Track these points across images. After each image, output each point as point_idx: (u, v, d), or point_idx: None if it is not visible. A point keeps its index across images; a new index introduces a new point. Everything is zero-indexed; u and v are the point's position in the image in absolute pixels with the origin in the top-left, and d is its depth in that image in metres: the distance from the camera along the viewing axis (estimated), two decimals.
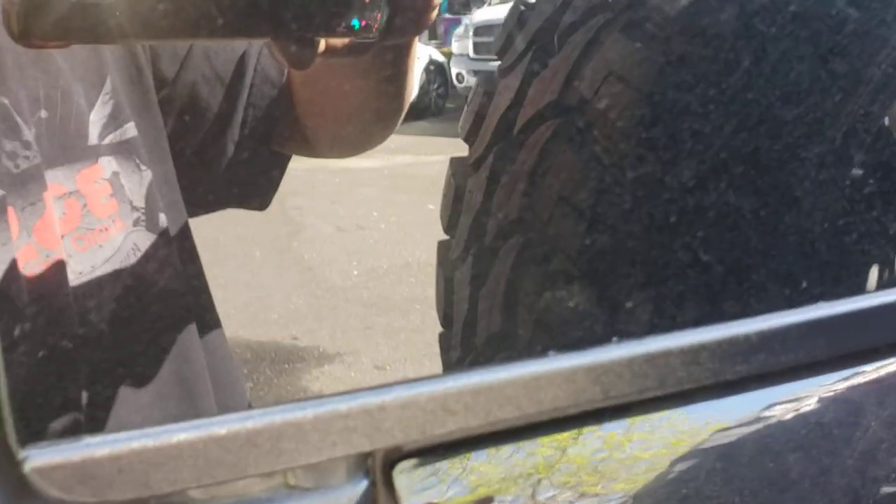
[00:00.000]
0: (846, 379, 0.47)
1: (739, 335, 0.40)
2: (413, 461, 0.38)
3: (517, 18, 0.92)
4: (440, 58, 10.77)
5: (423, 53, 10.50)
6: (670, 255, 0.73)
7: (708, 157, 0.70)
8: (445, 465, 0.40)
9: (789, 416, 0.48)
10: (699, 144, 0.70)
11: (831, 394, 0.49)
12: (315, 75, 0.78)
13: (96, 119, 0.75)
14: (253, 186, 0.93)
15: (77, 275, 0.71)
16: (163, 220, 0.79)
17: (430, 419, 0.35)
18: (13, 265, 0.66)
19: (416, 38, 0.75)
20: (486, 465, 0.42)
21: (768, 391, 0.46)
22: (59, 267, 0.69)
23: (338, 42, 0.61)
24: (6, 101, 0.68)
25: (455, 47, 10.11)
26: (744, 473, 0.46)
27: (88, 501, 0.32)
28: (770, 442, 0.48)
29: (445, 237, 1.05)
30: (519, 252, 0.80)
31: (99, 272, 0.73)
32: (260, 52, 0.86)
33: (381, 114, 0.87)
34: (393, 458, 0.38)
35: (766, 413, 0.48)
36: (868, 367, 0.47)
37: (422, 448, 0.39)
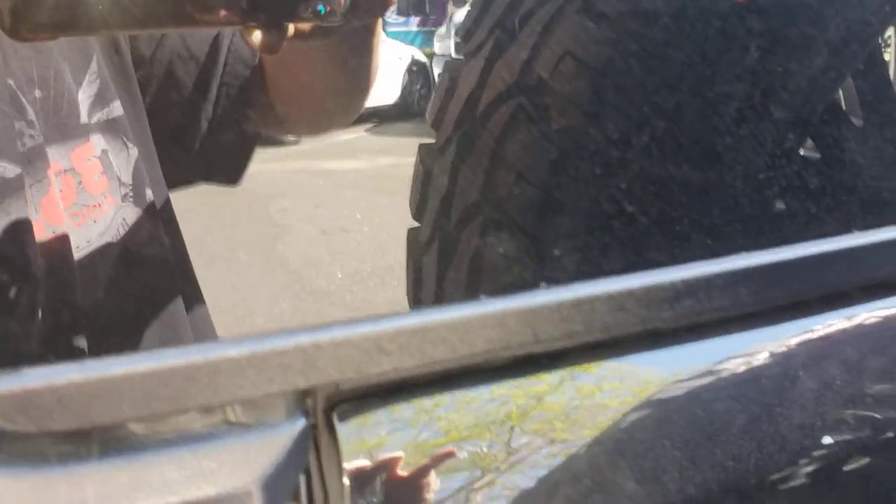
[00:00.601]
0: (775, 331, 0.49)
1: (665, 282, 0.42)
2: (353, 403, 0.40)
3: (482, 4, 0.94)
4: (423, 58, 10.80)
5: (405, 54, 10.53)
6: (621, 222, 0.75)
7: (656, 128, 0.73)
8: (385, 409, 0.41)
9: (736, 368, 0.50)
10: (647, 117, 0.73)
11: (764, 346, 0.51)
12: (286, 56, 0.80)
13: (84, 98, 0.78)
14: (225, 163, 0.97)
15: (75, 249, 0.74)
16: (149, 195, 0.83)
17: (365, 358, 0.37)
18: (32, 239, 0.70)
19: (380, 20, 0.78)
20: (454, 414, 0.43)
21: (719, 340, 0.48)
22: (64, 241, 0.73)
23: (305, 26, 0.64)
24: (12, 83, 0.71)
25: (437, 48, 10.15)
26: (679, 423, 0.48)
27: (30, 431, 0.33)
28: (709, 392, 0.50)
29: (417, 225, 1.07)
30: (481, 232, 0.83)
31: (94, 246, 0.76)
32: (233, 33, 0.89)
33: (348, 92, 0.91)
34: (333, 400, 0.39)
35: (720, 366, 0.50)
36: (797, 321, 0.49)
37: (363, 391, 0.40)
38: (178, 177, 0.92)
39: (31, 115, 0.72)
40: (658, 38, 0.71)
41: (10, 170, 0.69)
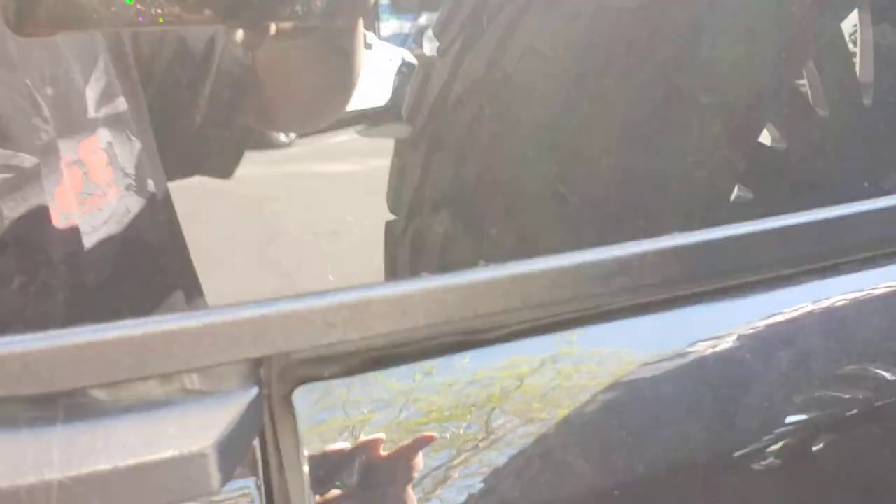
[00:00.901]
0: (710, 308, 0.52)
1: (599, 260, 0.44)
2: (307, 374, 0.43)
3: (453, 3, 0.98)
4: (413, 60, 10.81)
5: (396, 56, 10.55)
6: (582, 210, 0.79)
7: (612, 119, 0.76)
8: (338, 380, 0.44)
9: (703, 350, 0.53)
10: (605, 108, 0.76)
11: (703, 322, 0.54)
12: (275, 56, 0.89)
13: (92, 94, 0.83)
14: (218, 156, 1.02)
15: (83, 235, 0.79)
16: (150, 185, 0.88)
17: (313, 330, 0.40)
18: (47, 223, 0.75)
19: (360, 22, 0.82)
20: (434, 396, 0.46)
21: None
22: (75, 227, 0.78)
23: (287, 26, 0.69)
24: (29, 82, 0.76)
25: (426, 49, 10.15)
26: (629, 404, 0.51)
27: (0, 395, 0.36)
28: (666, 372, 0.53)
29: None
30: (450, 222, 0.86)
31: (100, 232, 0.81)
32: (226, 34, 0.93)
33: (332, 91, 0.95)
34: (286, 370, 0.42)
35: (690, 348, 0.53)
36: (730, 298, 0.52)
37: (316, 362, 0.43)
38: (175, 168, 0.96)
39: (46, 111, 0.77)
40: (607, 31, 0.75)
41: (28, 160, 0.74)
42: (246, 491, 0.42)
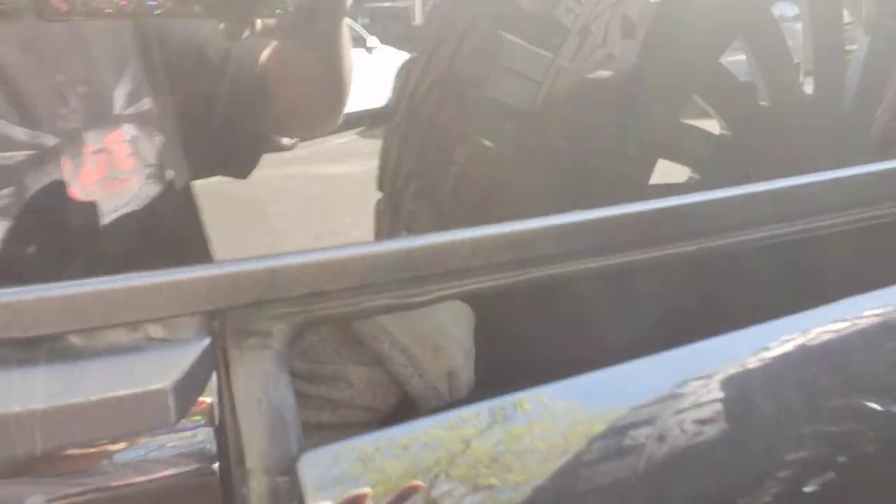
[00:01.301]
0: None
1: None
2: (253, 326, 0.51)
3: (431, 14, 1.08)
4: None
5: (396, 57, 10.67)
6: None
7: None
8: (281, 334, 0.52)
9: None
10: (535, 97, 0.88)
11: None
12: (279, 65, 1.01)
13: (120, 94, 0.95)
14: (234, 159, 1.13)
15: (104, 214, 0.91)
16: (169, 175, 0.99)
17: (250, 287, 0.47)
18: (66, 197, 0.87)
19: (344, 24, 0.91)
20: (387, 462, 0.53)
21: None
22: (93, 205, 0.90)
23: (270, 22, 0.78)
24: (61, 80, 0.88)
25: (412, 52, 10.25)
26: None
27: None
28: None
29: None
30: (415, 194, 0.96)
31: (120, 213, 0.93)
32: (240, 46, 1.05)
33: (327, 90, 1.04)
34: (236, 323, 0.50)
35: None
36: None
37: (266, 318, 0.51)
38: (199, 165, 1.07)
39: (74, 103, 0.89)
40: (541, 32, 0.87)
41: (51, 139, 0.86)
42: (203, 427, 0.50)
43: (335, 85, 1.02)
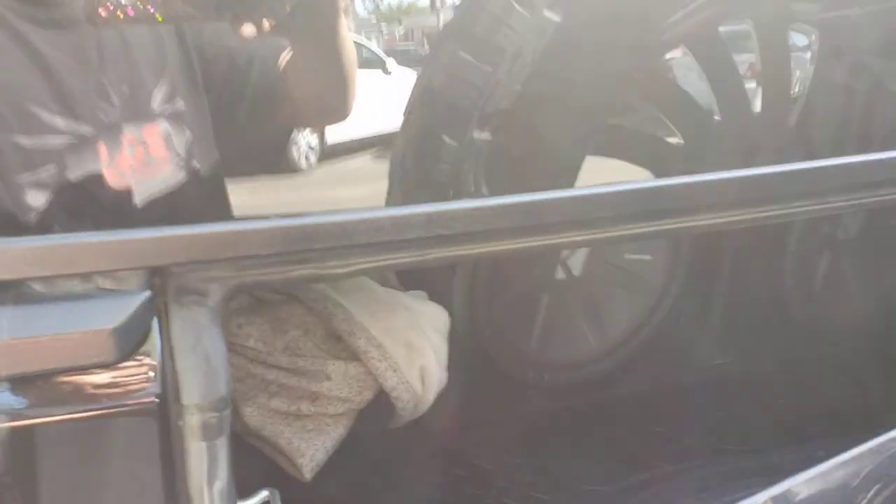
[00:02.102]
0: None
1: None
2: (189, 283, 0.60)
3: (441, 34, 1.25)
4: None
5: (413, 81, 10.83)
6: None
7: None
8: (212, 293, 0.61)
9: None
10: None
11: None
12: (291, 65, 1.16)
13: (158, 94, 1.11)
14: (262, 150, 1.33)
15: (138, 195, 1.05)
16: (198, 165, 1.14)
17: (186, 249, 0.57)
18: (101, 177, 1.02)
19: (340, 21, 1.05)
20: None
21: None
22: (129, 187, 1.04)
23: (269, 23, 0.90)
24: (105, 81, 1.04)
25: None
26: None
27: None
28: None
29: None
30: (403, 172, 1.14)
31: (152, 196, 1.07)
32: (263, 51, 1.21)
33: (335, 84, 1.18)
34: (174, 279, 0.59)
35: None
36: None
37: (206, 279, 0.60)
38: (225, 157, 1.21)
39: (115, 100, 1.04)
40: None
41: (88, 131, 1.00)
42: (149, 364, 0.59)
43: (339, 76, 1.15)
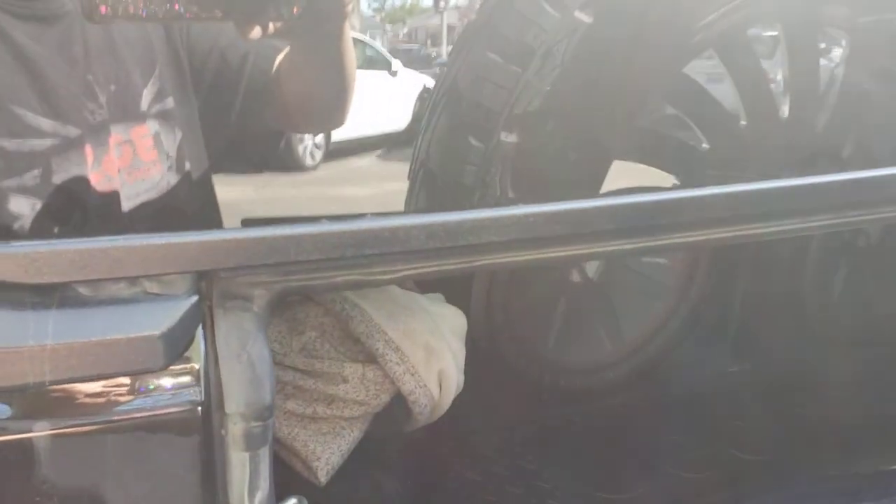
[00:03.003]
0: None
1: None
2: (236, 289, 0.58)
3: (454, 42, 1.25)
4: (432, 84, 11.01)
5: (418, 82, 10.82)
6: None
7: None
8: (259, 299, 0.60)
9: None
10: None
11: None
12: (288, 65, 1.12)
13: (147, 94, 1.07)
14: (252, 152, 1.28)
15: (126, 198, 1.02)
16: (188, 167, 1.11)
17: (233, 253, 0.55)
18: (87, 180, 0.98)
19: (346, 26, 1.01)
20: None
21: None
22: (115, 190, 1.01)
23: (279, 25, 0.88)
24: (91, 78, 0.99)
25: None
26: None
27: (13, 282, 0.52)
28: None
29: None
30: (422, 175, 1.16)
31: (141, 198, 1.04)
32: (256, 52, 1.17)
33: (334, 90, 1.14)
34: (221, 284, 0.58)
35: None
36: None
37: (250, 283, 0.59)
38: (216, 159, 1.18)
39: (102, 100, 1.00)
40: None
41: (73, 131, 0.96)
42: (192, 370, 0.58)
43: (339, 83, 1.12)
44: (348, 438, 1.15)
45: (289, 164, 7.73)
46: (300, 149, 7.75)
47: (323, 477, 1.12)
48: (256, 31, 0.84)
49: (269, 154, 1.29)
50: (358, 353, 1.15)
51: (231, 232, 0.55)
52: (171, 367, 0.56)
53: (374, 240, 0.57)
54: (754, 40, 1.33)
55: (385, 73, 9.37)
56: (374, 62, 9.37)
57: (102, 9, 0.70)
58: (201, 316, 0.57)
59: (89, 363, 0.52)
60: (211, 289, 0.57)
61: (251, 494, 0.59)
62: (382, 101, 8.14)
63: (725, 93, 1.41)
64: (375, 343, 1.13)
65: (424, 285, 1.33)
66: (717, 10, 1.18)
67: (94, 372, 0.53)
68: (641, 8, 1.14)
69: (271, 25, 0.85)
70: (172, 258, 0.54)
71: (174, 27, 1.12)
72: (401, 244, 0.58)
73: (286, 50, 1.14)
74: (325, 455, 1.13)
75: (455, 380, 1.21)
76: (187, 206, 1.11)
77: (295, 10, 0.82)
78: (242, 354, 0.57)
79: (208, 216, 1.16)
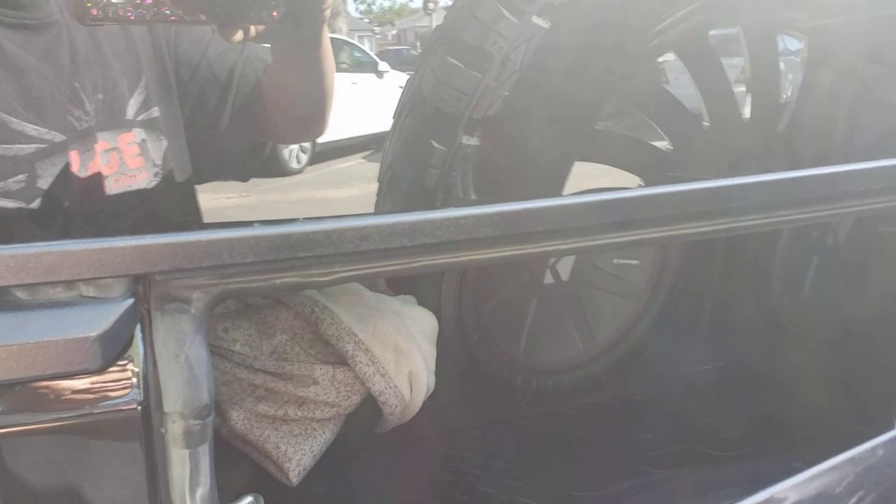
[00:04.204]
0: None
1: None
2: (172, 291, 0.60)
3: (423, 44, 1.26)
4: None
5: (403, 82, 10.87)
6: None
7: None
8: (194, 301, 0.61)
9: None
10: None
11: None
12: (274, 76, 1.16)
13: (133, 102, 1.10)
14: (237, 161, 1.33)
15: (112, 204, 1.05)
16: (174, 175, 1.14)
17: (169, 256, 0.57)
18: (72, 186, 1.00)
19: (324, 30, 1.03)
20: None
21: None
22: (103, 194, 1.03)
23: (257, 29, 0.91)
24: (78, 85, 1.02)
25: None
26: None
27: None
28: None
29: None
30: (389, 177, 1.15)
31: (127, 204, 1.07)
32: (244, 64, 1.20)
33: (314, 96, 1.17)
34: (156, 287, 0.59)
35: None
36: None
37: (187, 287, 0.60)
38: (203, 168, 1.21)
39: (89, 107, 1.03)
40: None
41: (58, 136, 0.99)
42: (132, 371, 0.59)
43: (319, 89, 1.15)
44: (320, 440, 1.17)
45: (274, 168, 7.76)
46: (286, 153, 7.79)
47: (294, 478, 1.13)
48: (238, 35, 0.86)
49: (254, 160, 1.32)
50: (328, 355, 1.17)
51: (165, 237, 0.56)
52: (111, 369, 0.57)
53: (308, 242, 0.59)
54: (712, 42, 1.35)
55: (372, 75, 9.42)
56: (361, 64, 9.40)
57: (94, 11, 0.73)
58: (139, 318, 0.59)
59: (27, 364, 0.54)
60: (148, 292, 0.59)
61: (192, 491, 0.61)
62: (369, 102, 8.16)
63: (687, 94, 1.43)
64: (345, 345, 1.15)
65: (397, 287, 1.34)
66: (672, 14, 1.21)
67: (33, 373, 0.55)
68: (598, 13, 1.17)
69: (253, 29, 0.87)
70: (107, 262, 0.55)
71: (162, 39, 1.15)
72: (334, 246, 0.60)
73: (271, 62, 1.17)
74: (297, 456, 1.14)
75: (425, 380, 1.23)
76: (172, 212, 1.14)
77: (275, 13, 0.84)
78: (180, 355, 0.59)
79: (193, 223, 1.20)
